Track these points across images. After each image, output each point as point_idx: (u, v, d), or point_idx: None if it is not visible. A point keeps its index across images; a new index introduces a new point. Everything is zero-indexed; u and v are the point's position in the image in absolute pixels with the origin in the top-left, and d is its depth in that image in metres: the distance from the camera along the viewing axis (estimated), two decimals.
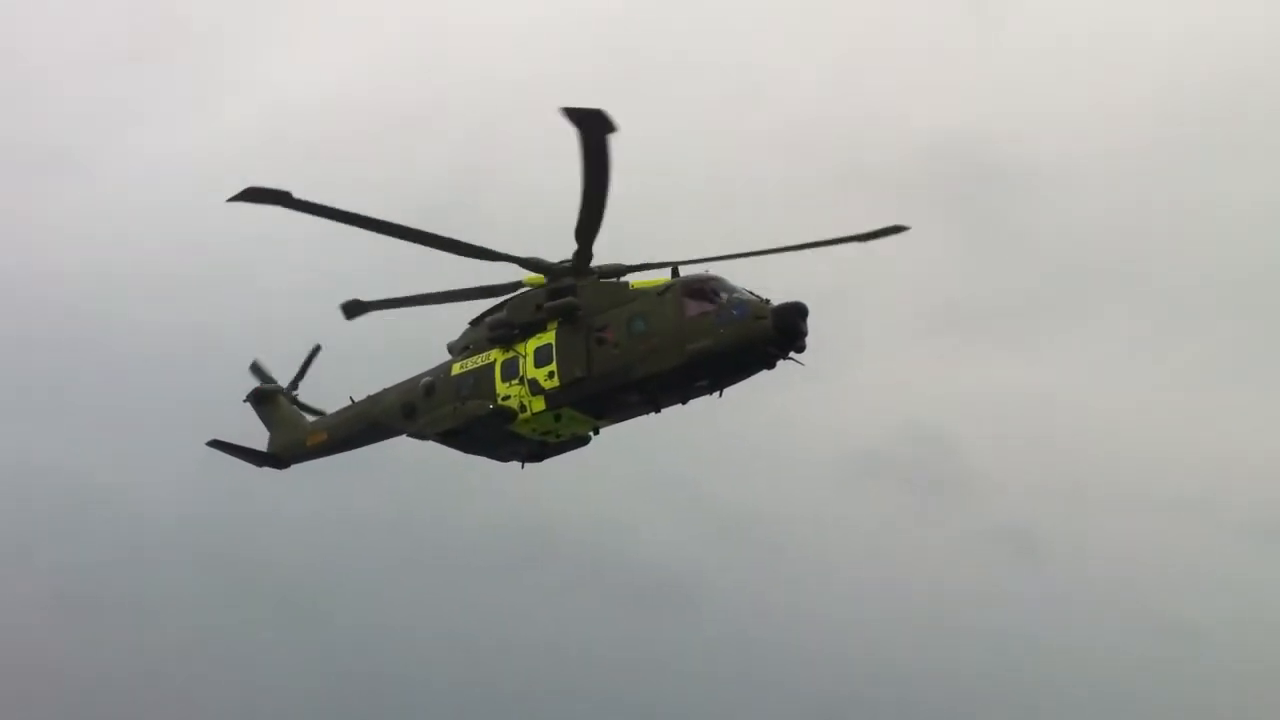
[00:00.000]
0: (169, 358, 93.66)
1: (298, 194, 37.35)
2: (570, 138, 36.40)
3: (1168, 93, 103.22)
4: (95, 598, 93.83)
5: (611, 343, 40.64)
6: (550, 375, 41.50)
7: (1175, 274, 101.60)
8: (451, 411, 43.11)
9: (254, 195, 36.66)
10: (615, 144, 36.80)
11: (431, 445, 45.02)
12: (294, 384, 50.56)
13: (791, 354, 39.72)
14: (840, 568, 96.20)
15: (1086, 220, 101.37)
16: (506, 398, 42.18)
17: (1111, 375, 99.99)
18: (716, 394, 41.14)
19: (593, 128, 35.89)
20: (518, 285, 42.86)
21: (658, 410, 42.16)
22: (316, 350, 51.12)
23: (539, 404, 41.74)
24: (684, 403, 41.64)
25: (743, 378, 40.62)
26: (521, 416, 42.09)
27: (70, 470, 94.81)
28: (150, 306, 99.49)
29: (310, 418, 49.78)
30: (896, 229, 43.40)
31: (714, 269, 41.19)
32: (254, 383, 51.15)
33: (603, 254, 42.01)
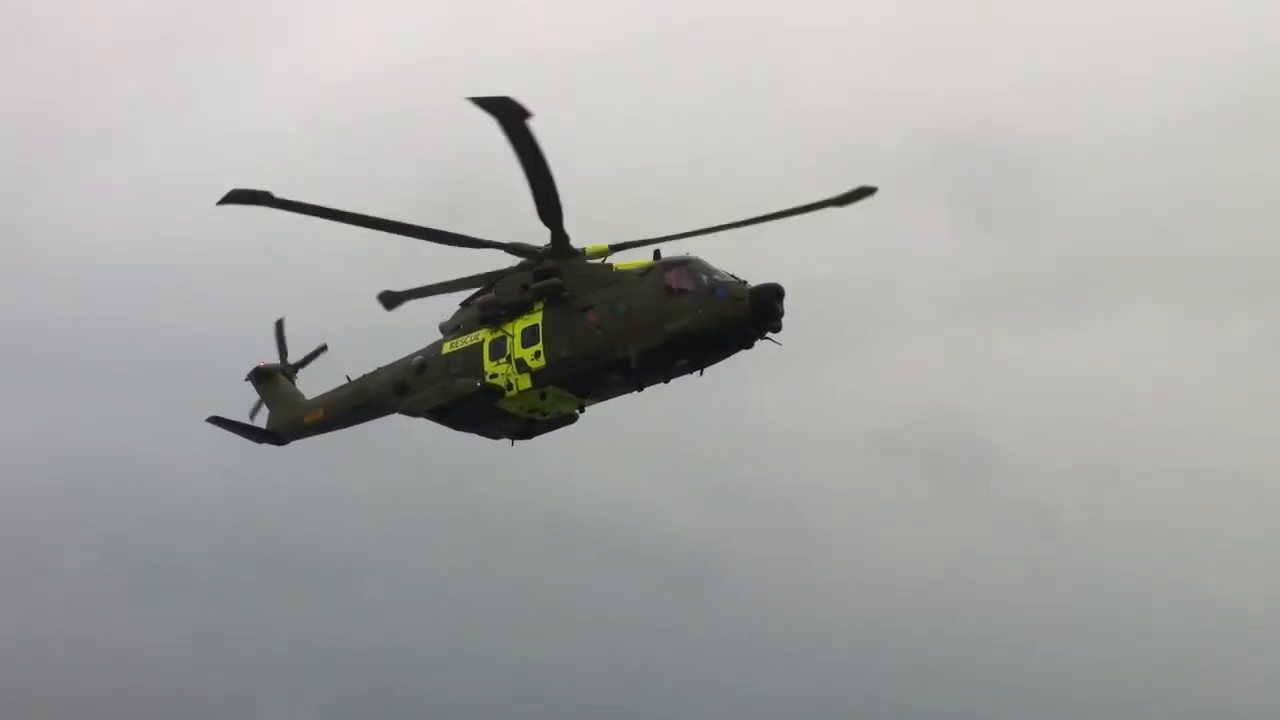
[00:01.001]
0: (214, 335, 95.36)
1: (278, 194, 38.88)
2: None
3: (1184, 68, 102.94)
4: (138, 567, 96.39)
5: (595, 323, 41.69)
6: (536, 355, 42.58)
7: (1203, 254, 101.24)
8: (441, 389, 44.23)
9: (237, 197, 38.21)
10: (539, 127, 37.27)
11: (448, 429, 46.14)
12: (295, 367, 51.90)
13: (769, 334, 40.74)
14: (864, 546, 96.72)
15: (1110, 200, 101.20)
16: (494, 376, 43.29)
17: (1136, 355, 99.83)
18: (698, 373, 42.20)
19: (508, 115, 36.78)
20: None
21: (640, 389, 43.03)
22: (323, 349, 52.95)
23: (525, 382, 42.83)
24: (666, 382, 42.59)
25: (722, 357, 41.55)
26: (508, 394, 43.17)
27: (110, 445, 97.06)
28: (195, 284, 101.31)
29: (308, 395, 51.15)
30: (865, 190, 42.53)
31: (694, 244, 42.16)
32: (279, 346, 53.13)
33: (601, 235, 43.45)
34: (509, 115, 36.82)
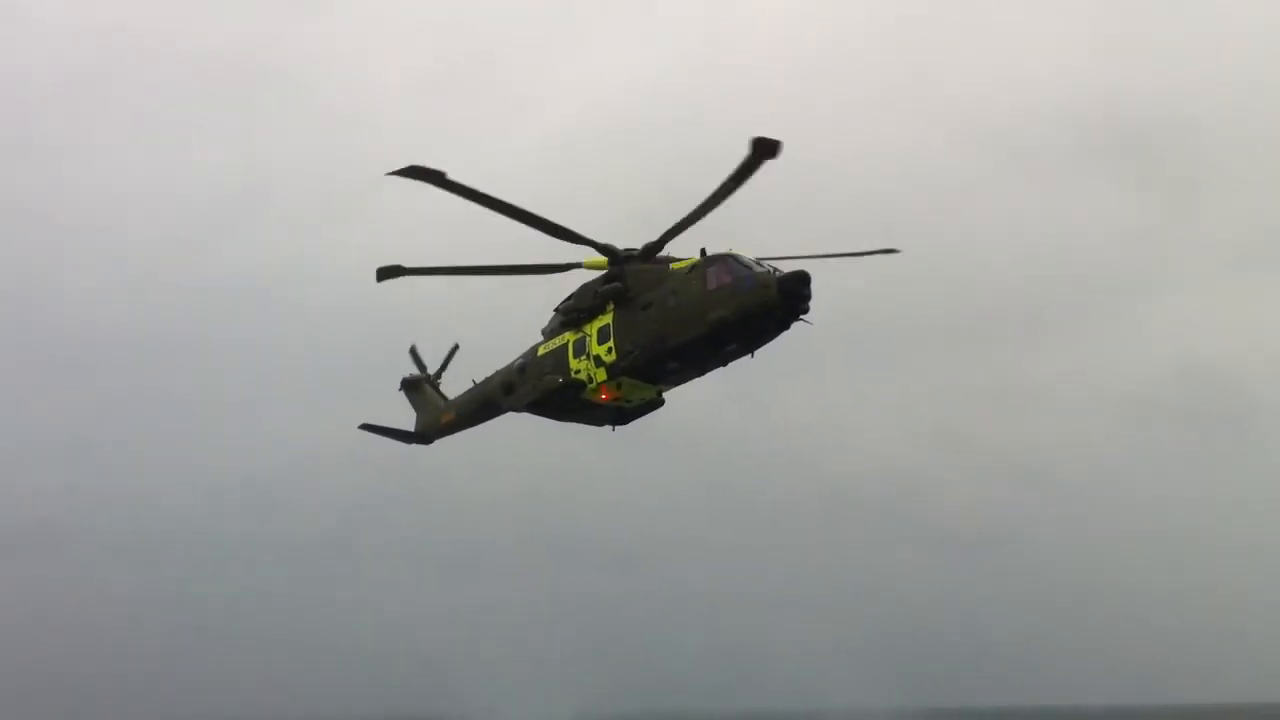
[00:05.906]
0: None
1: (451, 175, 44.63)
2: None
3: None
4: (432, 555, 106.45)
5: (653, 318, 47.39)
6: (609, 350, 48.67)
7: None
8: (533, 387, 50.75)
9: (413, 173, 43.99)
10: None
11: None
12: (438, 374, 58.71)
13: (801, 317, 45.70)
14: (1139, 505, 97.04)
15: None
16: (577, 371, 49.53)
17: None
18: (749, 356, 47.27)
19: (764, 153, 43.50)
20: (571, 267, 49.21)
21: (702, 374, 48.54)
22: (455, 349, 59.11)
23: (602, 375, 48.94)
24: (724, 365, 47.93)
25: (764, 341, 46.71)
26: (590, 387, 49.26)
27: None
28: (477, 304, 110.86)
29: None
30: (888, 250, 50.10)
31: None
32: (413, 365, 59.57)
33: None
34: (767, 153, 43.77)
